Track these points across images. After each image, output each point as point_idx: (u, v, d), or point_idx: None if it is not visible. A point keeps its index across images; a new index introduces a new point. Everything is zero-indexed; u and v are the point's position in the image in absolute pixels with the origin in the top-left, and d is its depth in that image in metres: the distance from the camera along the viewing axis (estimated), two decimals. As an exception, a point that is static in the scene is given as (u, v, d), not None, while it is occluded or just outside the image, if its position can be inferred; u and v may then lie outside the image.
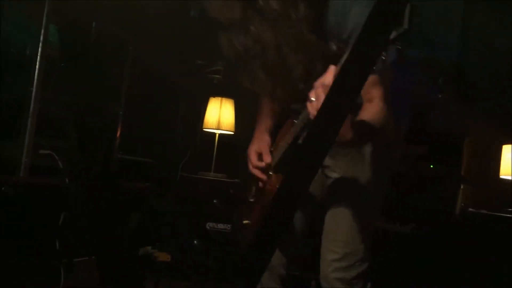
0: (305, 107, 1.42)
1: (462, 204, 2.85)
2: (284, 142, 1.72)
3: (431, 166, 2.89)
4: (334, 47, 1.44)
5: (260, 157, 1.78)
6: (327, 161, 1.74)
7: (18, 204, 2.30)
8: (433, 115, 3.39)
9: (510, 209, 2.65)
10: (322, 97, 1.22)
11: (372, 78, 1.43)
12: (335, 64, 1.25)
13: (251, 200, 1.92)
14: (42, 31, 2.34)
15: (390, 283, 2.82)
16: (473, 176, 3.05)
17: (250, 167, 1.80)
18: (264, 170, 1.77)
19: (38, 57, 2.34)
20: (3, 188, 2.13)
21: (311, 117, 1.29)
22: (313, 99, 1.26)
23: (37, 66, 2.36)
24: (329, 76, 1.22)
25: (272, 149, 1.81)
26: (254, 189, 1.91)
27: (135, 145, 3.42)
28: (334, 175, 1.76)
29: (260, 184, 1.78)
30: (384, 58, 1.09)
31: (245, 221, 1.91)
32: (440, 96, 3.57)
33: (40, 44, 2.33)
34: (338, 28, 1.46)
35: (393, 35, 1.01)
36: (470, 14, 3.99)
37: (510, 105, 2.99)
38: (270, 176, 1.76)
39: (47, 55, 2.44)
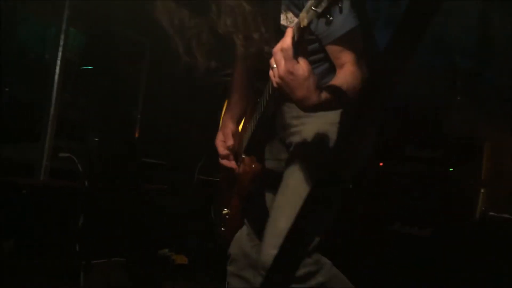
0: (267, 83, 1.42)
1: (483, 208, 2.81)
2: (252, 121, 1.69)
3: (450, 169, 2.85)
4: (294, 19, 1.44)
5: (224, 144, 1.76)
6: (291, 127, 1.70)
7: (38, 207, 2.33)
8: (451, 118, 3.36)
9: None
10: (283, 62, 1.20)
11: (338, 45, 1.41)
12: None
13: (225, 188, 1.88)
14: (62, 35, 2.36)
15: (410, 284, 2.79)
16: (494, 179, 3.00)
17: (219, 158, 1.77)
18: (233, 157, 1.74)
19: (58, 61, 2.36)
20: (24, 191, 2.16)
21: (274, 84, 1.27)
22: (274, 66, 1.23)
23: (56, 70, 2.38)
24: (287, 39, 1.19)
25: (240, 132, 1.80)
26: (225, 177, 1.88)
27: (152, 148, 3.44)
28: (296, 139, 1.68)
29: (232, 171, 1.74)
30: (328, 18, 1.06)
31: (224, 211, 1.86)
32: (458, 98, 3.53)
33: (60, 48, 2.36)
34: None
35: None
36: (487, 16, 3.95)
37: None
38: (243, 159, 1.72)
39: (66, 58, 2.46)
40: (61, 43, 2.34)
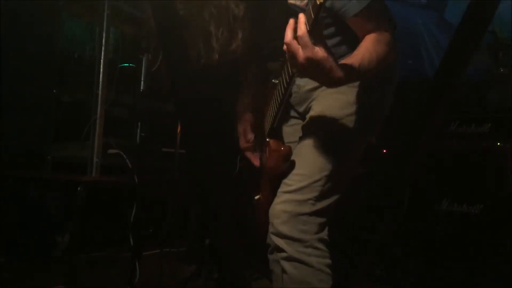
0: (282, 63, 1.40)
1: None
2: (271, 106, 1.67)
3: (498, 144, 2.79)
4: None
5: (246, 136, 1.80)
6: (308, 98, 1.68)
7: (92, 203, 2.41)
8: (495, 92, 3.27)
9: None
10: (300, 51, 1.18)
11: (360, 18, 1.38)
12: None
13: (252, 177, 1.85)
14: (104, 34, 2.42)
15: (458, 265, 2.76)
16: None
17: (242, 151, 1.82)
18: (255, 148, 1.75)
19: (102, 60, 2.42)
20: (79, 188, 2.23)
21: (292, 72, 1.29)
22: (291, 56, 1.22)
23: (101, 70, 2.44)
24: (301, 26, 1.17)
25: (258, 118, 1.79)
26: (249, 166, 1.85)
27: (191, 140, 3.48)
28: (311, 113, 1.64)
29: (255, 163, 1.74)
30: None
31: (256, 197, 1.82)
32: (501, 70, 3.43)
33: (103, 48, 2.41)
34: None
35: None
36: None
37: None
38: (268, 143, 1.69)
39: (109, 58, 2.51)
40: (104, 42, 2.39)
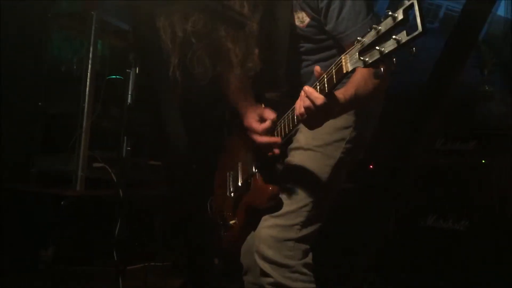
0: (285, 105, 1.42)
1: (518, 200, 2.76)
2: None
3: (483, 161, 2.81)
4: (307, 19, 1.44)
5: (262, 121, 1.66)
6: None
7: (76, 216, 2.39)
8: (481, 108, 3.31)
9: None
10: (316, 113, 1.27)
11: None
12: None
13: (232, 194, 1.78)
14: (91, 48, 2.41)
15: (444, 280, 2.77)
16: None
17: (257, 137, 1.64)
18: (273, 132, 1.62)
19: (88, 73, 2.41)
20: (62, 202, 2.21)
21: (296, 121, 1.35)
22: (302, 110, 1.30)
23: (87, 82, 2.43)
24: (318, 98, 1.25)
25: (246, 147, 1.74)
26: (233, 182, 1.78)
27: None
28: (299, 136, 1.66)
29: (276, 151, 1.62)
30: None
31: (231, 221, 1.76)
32: (487, 88, 3.48)
33: (90, 61, 2.41)
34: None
35: (408, 37, 0.94)
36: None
37: None
38: (254, 175, 1.65)
39: (96, 70, 2.51)
40: (91, 55, 2.39)
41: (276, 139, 1.59)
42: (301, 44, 1.60)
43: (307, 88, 1.30)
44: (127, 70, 2.40)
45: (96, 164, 2.51)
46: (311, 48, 1.60)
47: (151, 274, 2.79)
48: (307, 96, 1.28)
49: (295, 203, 1.58)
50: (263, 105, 1.72)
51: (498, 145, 2.91)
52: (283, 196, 1.60)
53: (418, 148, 2.72)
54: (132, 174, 2.50)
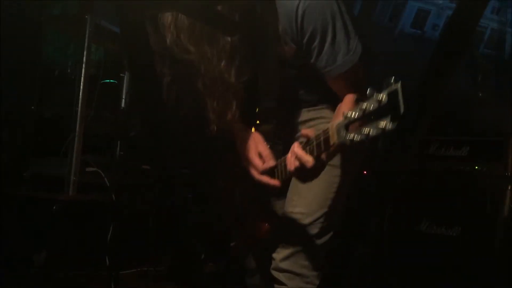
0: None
1: (511, 205, 2.77)
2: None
3: (476, 168, 2.82)
4: (292, 50, 1.45)
5: (262, 157, 1.58)
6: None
7: (68, 221, 2.37)
8: (474, 115, 3.32)
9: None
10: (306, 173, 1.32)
11: (341, 80, 1.43)
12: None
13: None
14: (85, 52, 2.41)
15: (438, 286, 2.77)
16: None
17: (256, 174, 1.58)
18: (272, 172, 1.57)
19: (82, 77, 2.41)
20: (54, 207, 2.20)
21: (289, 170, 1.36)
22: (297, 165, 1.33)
23: (81, 86, 2.43)
24: (309, 161, 1.29)
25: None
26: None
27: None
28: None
29: (273, 191, 1.66)
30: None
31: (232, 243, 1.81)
32: (480, 94, 3.49)
33: (84, 65, 2.40)
34: (294, 34, 1.44)
35: (392, 126, 1.00)
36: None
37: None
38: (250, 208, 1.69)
39: (89, 74, 2.50)
40: (84, 59, 2.38)
41: (276, 182, 1.53)
42: (288, 73, 1.60)
43: (297, 149, 1.33)
44: (121, 74, 2.40)
45: (89, 169, 2.50)
46: (297, 77, 1.60)
47: (144, 278, 2.78)
48: (297, 158, 1.31)
49: (309, 217, 1.61)
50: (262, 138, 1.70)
51: (491, 151, 2.92)
52: (297, 210, 1.62)
53: (410, 153, 2.72)
54: (125, 178, 2.49)
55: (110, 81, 2.80)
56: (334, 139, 1.20)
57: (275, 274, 1.62)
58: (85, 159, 2.48)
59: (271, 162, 1.55)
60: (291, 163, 1.35)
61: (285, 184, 1.59)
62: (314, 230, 1.60)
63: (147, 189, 2.79)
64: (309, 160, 1.29)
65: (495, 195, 2.77)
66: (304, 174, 1.36)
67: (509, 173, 3.02)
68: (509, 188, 2.88)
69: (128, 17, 1.36)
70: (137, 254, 2.88)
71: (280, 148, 1.55)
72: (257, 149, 1.60)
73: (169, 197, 2.50)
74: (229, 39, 1.43)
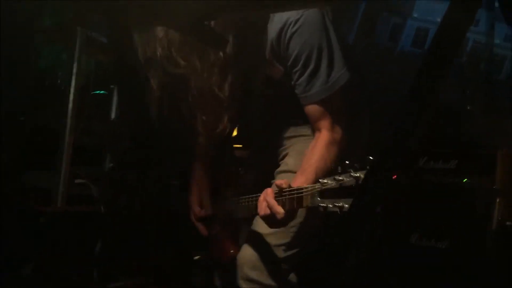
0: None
1: (499, 218, 2.79)
2: (238, 208, 1.71)
3: (464, 180, 2.83)
4: (281, 68, 1.47)
5: (201, 206, 1.75)
6: (282, 149, 1.73)
7: (56, 233, 2.35)
8: (463, 128, 3.35)
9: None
10: (272, 221, 1.36)
11: (315, 108, 1.45)
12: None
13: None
14: (75, 62, 2.40)
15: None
16: (508, 188, 2.98)
17: (193, 218, 1.77)
18: (208, 220, 1.73)
19: (72, 88, 2.39)
20: (41, 219, 2.18)
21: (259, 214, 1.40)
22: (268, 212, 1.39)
23: (70, 98, 2.41)
24: (279, 211, 1.36)
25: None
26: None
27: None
28: (286, 160, 1.74)
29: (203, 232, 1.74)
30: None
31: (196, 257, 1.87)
32: (468, 108, 3.53)
33: (74, 77, 2.39)
34: (281, 56, 1.46)
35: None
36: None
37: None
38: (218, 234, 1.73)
39: (80, 86, 2.49)
40: (75, 70, 2.37)
41: (204, 231, 1.72)
42: (274, 98, 1.62)
43: (269, 199, 1.36)
44: (111, 86, 2.39)
45: (78, 180, 2.48)
46: (283, 102, 1.63)
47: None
48: (269, 207, 1.34)
49: (275, 239, 1.60)
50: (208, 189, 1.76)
51: (480, 165, 2.94)
52: (262, 231, 1.63)
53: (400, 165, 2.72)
54: (115, 191, 2.47)
55: (100, 92, 2.79)
56: (307, 202, 1.24)
57: (243, 283, 1.61)
58: (74, 170, 2.46)
59: (208, 211, 1.68)
60: (262, 208, 1.38)
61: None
62: (286, 239, 1.64)
63: (135, 200, 2.77)
64: (279, 212, 1.34)
65: (483, 208, 2.79)
66: (273, 221, 1.40)
67: (497, 186, 3.05)
68: (498, 201, 2.90)
69: (117, 29, 1.36)
70: (125, 267, 2.85)
71: (251, 177, 1.58)
72: (200, 195, 1.70)
73: (158, 207, 2.48)
74: (221, 54, 1.45)
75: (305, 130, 1.66)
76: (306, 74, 1.46)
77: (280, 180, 1.39)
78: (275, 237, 1.59)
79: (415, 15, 4.38)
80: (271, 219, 1.39)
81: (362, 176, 1.07)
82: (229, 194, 1.76)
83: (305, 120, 1.65)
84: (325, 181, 1.17)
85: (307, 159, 1.46)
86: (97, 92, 2.86)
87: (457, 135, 3.36)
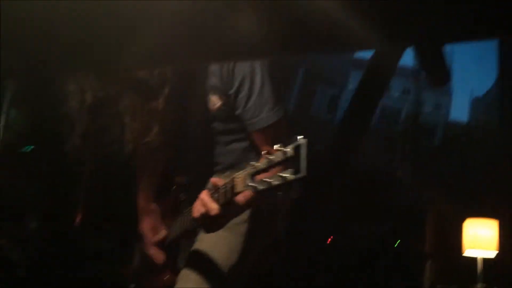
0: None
1: (431, 281, 2.84)
2: (174, 227, 1.68)
3: (397, 243, 2.90)
4: (218, 102, 1.51)
5: (155, 231, 1.66)
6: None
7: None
8: (395, 191, 3.46)
9: (478, 286, 2.64)
10: (211, 223, 1.32)
11: (263, 133, 1.48)
12: None
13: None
14: (3, 116, 2.29)
15: None
16: (438, 251, 3.07)
17: (147, 246, 1.67)
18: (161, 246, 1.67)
19: (-3, 142, 2.27)
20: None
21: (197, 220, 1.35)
22: (202, 211, 1.32)
23: (-5, 152, 2.28)
24: (213, 207, 1.29)
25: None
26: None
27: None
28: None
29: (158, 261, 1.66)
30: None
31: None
32: (399, 171, 3.67)
33: (1, 130, 2.27)
34: (223, 83, 1.50)
35: (292, 178, 1.05)
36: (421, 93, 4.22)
37: (469, 178, 3.09)
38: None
39: (7, 141, 2.37)
40: (2, 123, 2.26)
41: (161, 257, 1.63)
42: (213, 125, 1.62)
43: (203, 196, 1.34)
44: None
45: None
46: (223, 130, 1.63)
47: None
48: (203, 205, 1.32)
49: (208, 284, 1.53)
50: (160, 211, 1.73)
51: (411, 228, 3.02)
52: (195, 274, 1.55)
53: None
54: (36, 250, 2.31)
55: (26, 149, 2.67)
56: (239, 188, 1.21)
57: None
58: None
59: (164, 233, 1.62)
60: (197, 210, 1.34)
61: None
62: (226, 265, 1.55)
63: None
64: (214, 208, 1.29)
65: (416, 271, 2.84)
66: (208, 222, 1.34)
67: (428, 249, 3.13)
68: (429, 262, 2.96)
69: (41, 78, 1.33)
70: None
71: (192, 202, 1.53)
72: (151, 220, 1.64)
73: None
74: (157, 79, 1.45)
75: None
76: (253, 98, 1.46)
77: (215, 178, 1.33)
78: (219, 251, 1.50)
79: (351, 87, 4.62)
80: (206, 220, 1.31)
81: (291, 150, 1.05)
82: (169, 222, 1.69)
83: (240, 157, 1.63)
84: (255, 163, 1.15)
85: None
86: (25, 149, 2.74)
87: (391, 199, 3.47)
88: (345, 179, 2.75)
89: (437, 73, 0.80)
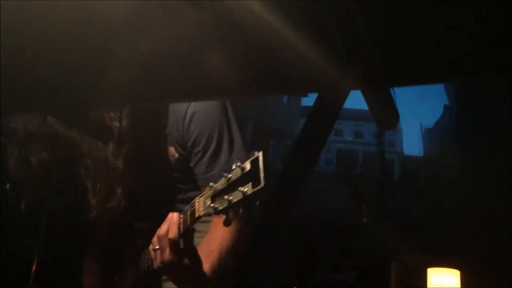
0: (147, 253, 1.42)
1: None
2: (135, 270, 1.64)
3: (361, 292, 2.89)
4: (176, 154, 1.51)
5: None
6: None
7: None
8: (359, 241, 3.47)
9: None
10: (167, 250, 1.23)
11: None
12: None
13: None
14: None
15: None
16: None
17: None
18: None
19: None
20: None
21: (155, 265, 1.27)
22: (157, 247, 1.26)
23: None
24: (173, 229, 1.24)
25: (116, 279, 1.70)
26: None
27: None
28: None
29: None
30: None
31: None
32: (364, 221, 3.70)
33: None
34: (180, 136, 1.50)
35: (252, 190, 1.02)
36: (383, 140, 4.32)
37: (431, 228, 3.13)
38: None
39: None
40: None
41: None
42: (174, 175, 1.62)
43: (172, 215, 1.29)
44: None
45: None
46: (182, 179, 1.63)
47: None
48: (167, 221, 1.26)
49: None
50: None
51: (375, 276, 3.02)
52: None
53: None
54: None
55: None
56: (199, 211, 1.17)
57: None
58: None
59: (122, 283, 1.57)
60: (160, 230, 1.26)
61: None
62: None
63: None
64: (174, 232, 1.22)
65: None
66: (173, 268, 1.25)
67: (391, 298, 3.11)
68: (392, 311, 2.94)
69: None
70: None
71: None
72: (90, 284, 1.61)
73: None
74: (117, 124, 1.41)
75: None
76: (207, 155, 1.45)
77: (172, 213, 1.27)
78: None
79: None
80: (165, 257, 1.23)
81: (248, 165, 1.01)
82: (131, 270, 1.62)
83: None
84: (214, 184, 1.11)
85: (207, 244, 1.38)
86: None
87: (355, 248, 3.47)
88: (287, 228, 2.73)
89: (386, 116, 0.82)
